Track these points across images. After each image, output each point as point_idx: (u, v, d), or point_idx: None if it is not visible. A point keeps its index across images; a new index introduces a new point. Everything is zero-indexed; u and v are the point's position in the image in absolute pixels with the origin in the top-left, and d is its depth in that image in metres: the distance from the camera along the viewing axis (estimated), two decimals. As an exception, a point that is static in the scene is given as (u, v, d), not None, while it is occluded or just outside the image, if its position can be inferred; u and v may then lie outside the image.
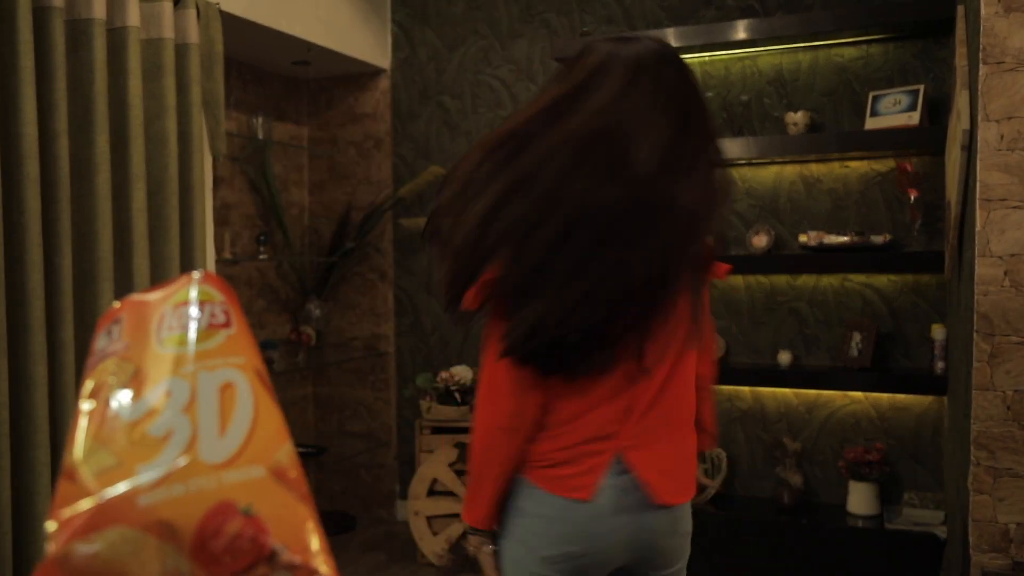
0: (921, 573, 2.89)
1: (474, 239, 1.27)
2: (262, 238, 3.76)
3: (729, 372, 3.25)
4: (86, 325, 2.37)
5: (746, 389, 3.44)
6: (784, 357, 3.30)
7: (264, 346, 3.75)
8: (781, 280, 3.41)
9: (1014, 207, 2.04)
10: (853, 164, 3.31)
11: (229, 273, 3.76)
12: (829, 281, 3.35)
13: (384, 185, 4.06)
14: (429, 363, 3.99)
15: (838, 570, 2.99)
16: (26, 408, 2.20)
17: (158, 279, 2.59)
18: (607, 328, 1.29)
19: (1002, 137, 2.04)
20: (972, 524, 2.07)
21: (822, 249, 3.17)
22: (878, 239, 3.12)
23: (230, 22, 3.11)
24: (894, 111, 3.11)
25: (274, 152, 4.01)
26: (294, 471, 0.42)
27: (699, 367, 1.51)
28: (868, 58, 3.28)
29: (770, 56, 3.41)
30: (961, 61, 2.35)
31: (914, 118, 3.06)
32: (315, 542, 0.41)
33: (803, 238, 3.25)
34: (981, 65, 2.05)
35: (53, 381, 2.29)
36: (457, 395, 3.54)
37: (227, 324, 0.46)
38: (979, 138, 2.07)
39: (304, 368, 4.03)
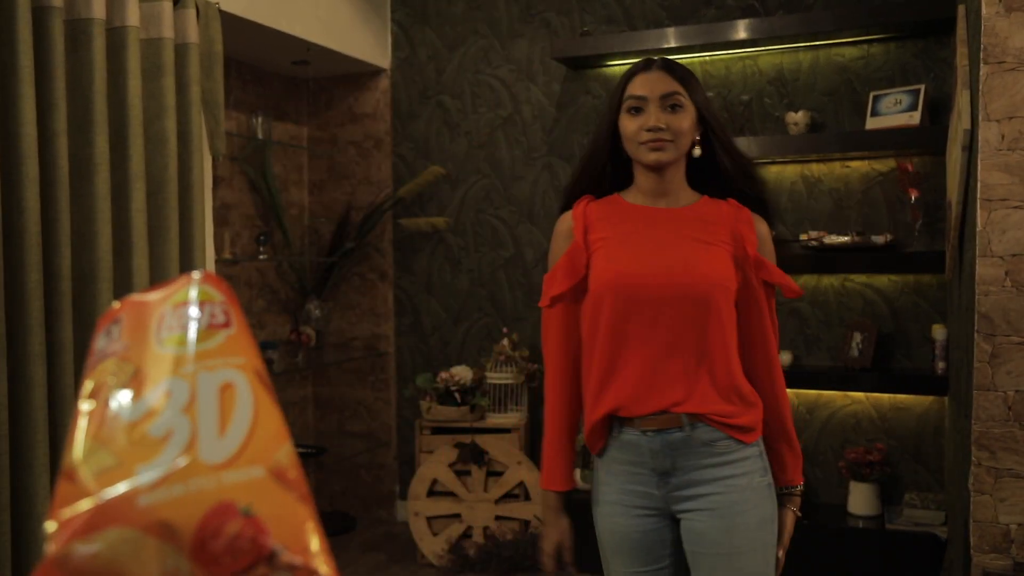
0: (922, 574, 2.89)
1: None
2: (262, 238, 3.76)
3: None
4: (85, 325, 2.37)
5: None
6: (785, 357, 3.30)
7: (264, 346, 3.74)
8: (781, 280, 3.40)
9: (1015, 207, 2.03)
10: (854, 164, 3.31)
11: (229, 273, 3.76)
12: (830, 281, 3.35)
13: (384, 185, 4.06)
14: (429, 363, 3.99)
15: (839, 570, 2.99)
16: (25, 408, 2.20)
17: (158, 279, 2.58)
18: None
19: (1003, 137, 2.04)
20: (973, 524, 2.07)
21: (823, 249, 3.17)
22: (879, 239, 3.11)
23: (230, 22, 3.11)
24: (895, 111, 3.11)
25: (274, 152, 4.00)
26: (294, 471, 0.42)
27: None
28: (869, 58, 3.28)
29: (771, 56, 3.41)
30: (962, 61, 2.35)
31: (915, 118, 3.06)
32: (315, 542, 0.41)
33: (804, 238, 3.25)
34: (982, 65, 2.05)
35: (52, 381, 2.29)
36: (457, 395, 3.53)
37: (227, 324, 0.46)
38: (980, 138, 2.07)
39: (304, 368, 4.03)
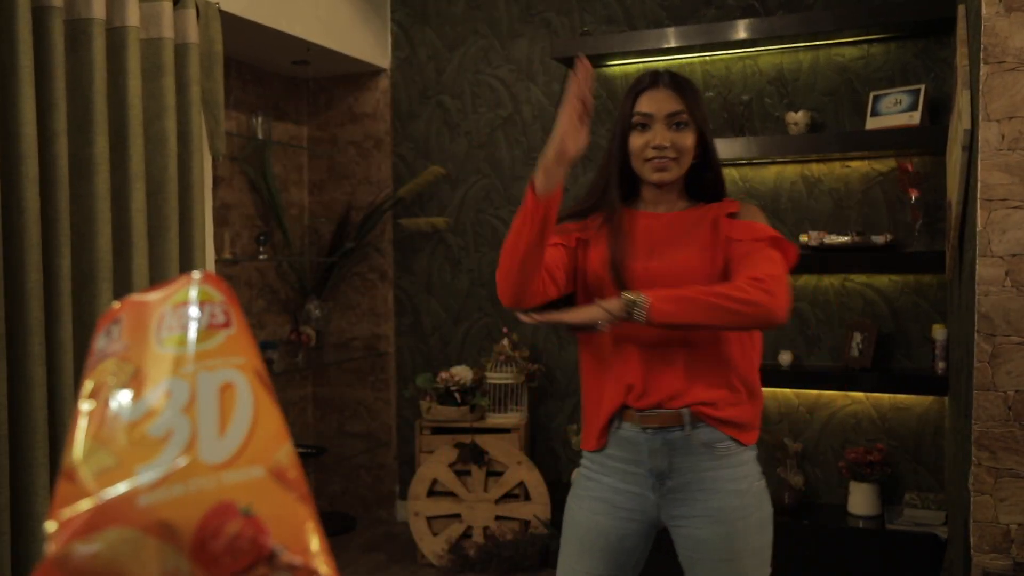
0: (922, 574, 2.89)
1: None
2: (262, 238, 3.76)
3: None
4: (85, 325, 2.37)
5: (746, 389, 3.44)
6: (785, 357, 3.30)
7: (264, 346, 3.74)
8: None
9: (1015, 207, 2.03)
10: (854, 164, 3.31)
11: (229, 273, 3.76)
12: (830, 281, 3.35)
13: (384, 185, 4.06)
14: (429, 363, 3.99)
15: (839, 570, 2.99)
16: (25, 408, 2.20)
17: (157, 279, 2.58)
18: None
19: (1003, 137, 2.04)
20: (973, 524, 2.07)
21: (823, 249, 3.17)
22: (879, 239, 3.11)
23: (230, 22, 3.11)
24: (895, 111, 3.11)
25: (274, 152, 4.00)
26: (294, 471, 0.42)
27: None
28: (869, 58, 3.28)
29: (771, 56, 3.40)
30: (962, 61, 2.35)
31: (915, 118, 3.06)
32: (315, 542, 0.41)
33: (804, 238, 3.25)
34: (982, 65, 2.05)
35: (52, 381, 2.29)
36: (457, 395, 3.53)
37: (227, 324, 0.46)
38: (980, 138, 2.07)
39: (304, 368, 4.03)
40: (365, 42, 3.88)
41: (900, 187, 3.18)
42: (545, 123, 3.78)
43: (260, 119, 3.73)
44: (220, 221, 3.69)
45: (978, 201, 2.07)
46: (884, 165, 3.26)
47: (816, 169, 3.36)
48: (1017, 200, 2.03)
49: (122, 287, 2.48)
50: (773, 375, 3.26)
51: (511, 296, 1.54)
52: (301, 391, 4.19)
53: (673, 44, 3.34)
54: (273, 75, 4.05)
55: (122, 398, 0.43)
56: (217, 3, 2.80)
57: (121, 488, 0.39)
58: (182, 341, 0.44)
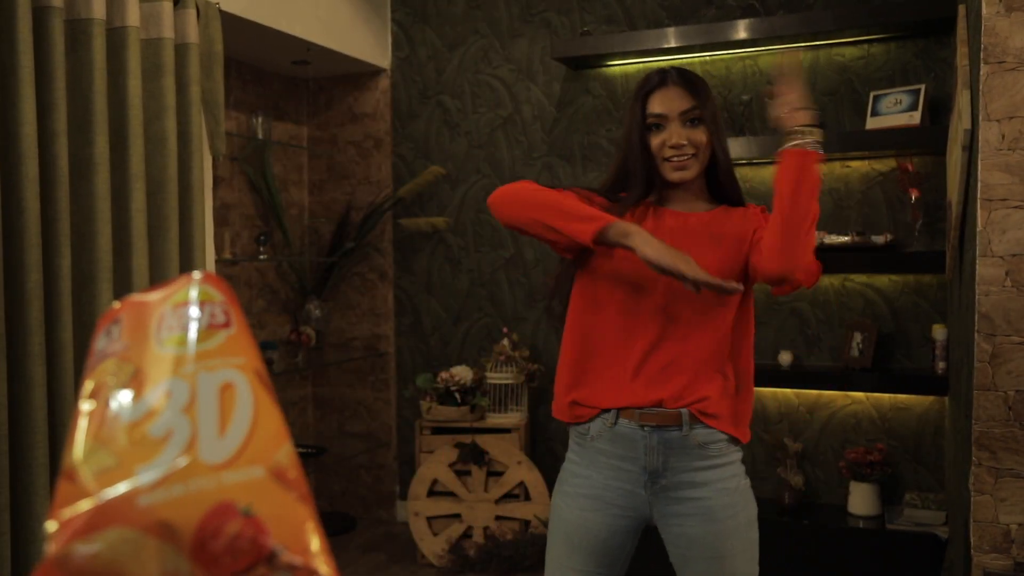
0: (922, 574, 2.89)
1: None
2: (262, 238, 3.76)
3: (730, 372, 3.25)
4: (85, 325, 2.37)
5: (747, 389, 3.44)
6: (785, 357, 3.30)
7: (264, 346, 3.74)
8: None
9: (1015, 207, 2.03)
10: (854, 164, 3.31)
11: (229, 273, 3.76)
12: (830, 281, 3.35)
13: (384, 185, 4.06)
14: (429, 363, 3.99)
15: (839, 571, 2.99)
16: (25, 409, 2.20)
17: (157, 279, 2.58)
18: None
19: (1003, 137, 2.04)
20: (973, 525, 2.07)
21: (823, 249, 3.17)
22: (879, 239, 3.11)
23: (230, 22, 3.11)
24: (895, 111, 3.11)
25: (274, 152, 4.00)
26: (294, 471, 0.42)
27: None
28: (869, 58, 3.28)
29: (771, 56, 3.40)
30: (962, 61, 2.35)
31: (915, 118, 3.05)
32: (315, 542, 0.41)
33: (804, 238, 3.24)
34: (982, 65, 2.05)
35: (52, 381, 2.29)
36: (457, 395, 3.53)
37: (227, 324, 0.46)
38: (980, 138, 2.07)
39: (304, 368, 4.03)
40: (365, 42, 3.88)
41: (900, 187, 3.18)
42: (545, 123, 3.78)
43: (260, 119, 3.73)
44: (220, 221, 3.69)
45: (978, 201, 2.07)
46: (884, 165, 3.26)
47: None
48: (1017, 200, 2.03)
49: (122, 287, 2.48)
50: (773, 375, 3.26)
51: (497, 208, 1.59)
52: (301, 391, 4.20)
53: (673, 44, 3.34)
54: (273, 75, 4.05)
55: (122, 398, 0.43)
56: (217, 3, 2.80)
57: (121, 488, 0.39)
58: (182, 341, 0.44)
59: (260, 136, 3.73)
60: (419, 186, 3.90)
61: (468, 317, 3.94)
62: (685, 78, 1.61)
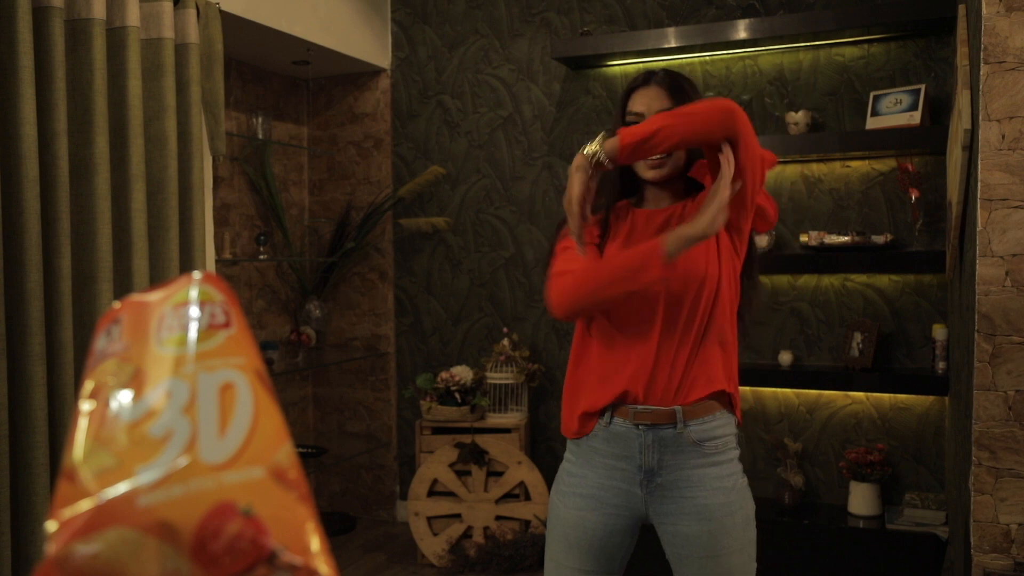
0: (922, 574, 2.89)
1: None
2: (262, 238, 3.76)
3: (730, 372, 3.25)
4: (85, 325, 2.37)
5: (747, 389, 3.44)
6: (785, 357, 3.30)
7: (264, 346, 3.74)
8: (782, 280, 3.41)
9: (1015, 207, 2.03)
10: (854, 164, 3.31)
11: (229, 273, 3.76)
12: (830, 281, 3.35)
13: (384, 185, 4.06)
14: (429, 363, 3.99)
15: (839, 571, 2.99)
16: (25, 409, 2.20)
17: (158, 279, 2.58)
18: None
19: (1003, 137, 2.04)
20: (973, 525, 2.07)
21: (823, 249, 3.17)
22: (879, 239, 3.11)
23: (230, 22, 3.11)
24: (895, 111, 3.11)
25: (274, 152, 4.00)
26: (294, 471, 0.42)
27: None
28: (869, 57, 3.28)
29: (771, 55, 3.40)
30: (962, 61, 2.35)
31: (915, 118, 3.06)
32: (315, 543, 0.41)
33: (804, 238, 3.25)
34: (982, 64, 2.05)
35: (52, 381, 2.29)
36: (457, 395, 3.53)
37: (227, 324, 0.46)
38: (980, 138, 2.07)
39: (304, 368, 4.03)
40: (365, 42, 3.88)
41: (900, 187, 3.18)
42: (545, 123, 3.78)
43: (260, 119, 3.73)
44: (220, 221, 3.69)
45: (978, 201, 2.07)
46: (884, 165, 3.26)
47: (816, 169, 3.36)
48: (1017, 200, 2.03)
49: (122, 287, 2.48)
50: (773, 375, 3.26)
51: (569, 313, 1.58)
52: (301, 391, 4.20)
53: (673, 44, 3.34)
54: (273, 75, 4.05)
55: (122, 398, 0.43)
56: (217, 3, 2.80)
57: (121, 488, 0.39)
58: (182, 341, 0.44)
59: (260, 136, 3.73)
60: (419, 186, 3.90)
61: (468, 317, 3.94)
62: (670, 79, 1.62)
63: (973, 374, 2.08)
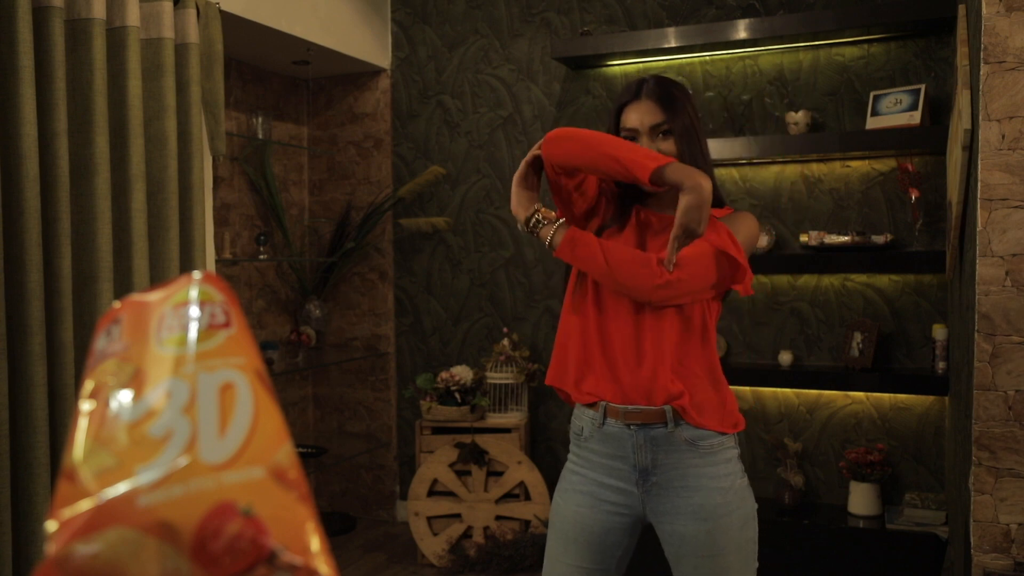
0: (922, 574, 2.89)
1: None
2: (262, 238, 3.76)
3: (730, 372, 3.26)
4: (85, 325, 2.37)
5: (747, 389, 3.44)
6: (785, 357, 3.30)
7: (264, 346, 3.74)
8: (782, 280, 3.41)
9: (1015, 207, 2.03)
10: (854, 164, 3.31)
11: (229, 273, 3.76)
12: (830, 281, 3.35)
13: (384, 185, 4.06)
14: (429, 363, 3.99)
15: (839, 571, 2.99)
16: (25, 409, 2.20)
17: (158, 279, 2.58)
18: None
19: (1003, 137, 2.04)
20: (973, 524, 2.07)
21: (823, 249, 3.17)
22: (879, 239, 3.11)
23: (230, 22, 3.11)
24: (895, 111, 3.11)
25: (274, 152, 4.00)
26: (294, 471, 0.42)
27: None
28: (869, 57, 3.28)
29: (771, 55, 3.40)
30: (962, 61, 2.35)
31: (915, 118, 3.06)
32: (315, 543, 0.41)
33: (804, 238, 3.25)
34: (982, 64, 2.05)
35: (52, 381, 2.29)
36: (457, 395, 3.53)
37: (227, 324, 0.46)
38: (980, 138, 2.07)
39: (304, 368, 4.03)
40: (365, 42, 3.88)
41: (900, 187, 3.18)
42: (545, 123, 3.78)
43: (260, 119, 3.73)
44: (220, 221, 3.69)
45: (978, 201, 2.07)
46: (884, 165, 3.26)
47: (816, 169, 3.36)
48: (1017, 200, 2.03)
49: (122, 287, 2.48)
50: (773, 375, 3.26)
51: (562, 160, 1.61)
52: (301, 391, 4.20)
53: (673, 44, 3.34)
54: (273, 75, 4.05)
55: (122, 398, 0.43)
56: (217, 3, 2.80)
57: (121, 488, 0.39)
58: (182, 341, 0.44)
59: (260, 136, 3.73)
60: (419, 186, 3.90)
61: (468, 317, 3.94)
62: (660, 89, 1.62)
63: (973, 374, 2.08)
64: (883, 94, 3.17)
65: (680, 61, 3.52)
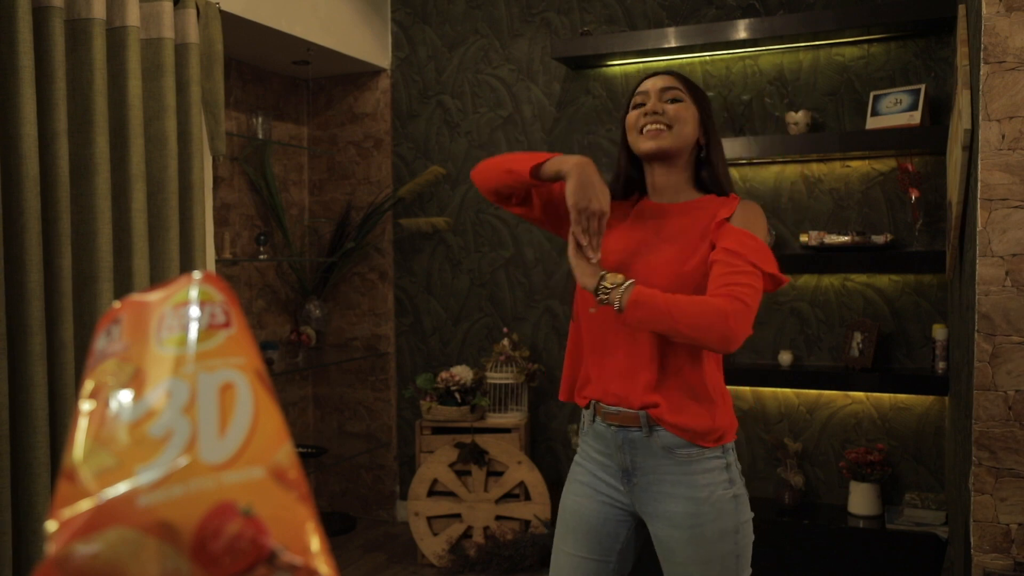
0: (922, 574, 2.89)
1: None
2: (262, 238, 3.76)
3: (730, 372, 3.26)
4: (86, 325, 2.37)
5: (747, 389, 3.44)
6: (785, 357, 3.30)
7: (264, 346, 3.74)
8: (782, 280, 3.40)
9: (1015, 207, 2.03)
10: (854, 164, 3.31)
11: (229, 273, 3.76)
12: (830, 281, 3.35)
13: (384, 185, 4.06)
14: (429, 363, 3.99)
15: (839, 571, 2.99)
16: (25, 409, 2.20)
17: (158, 279, 2.58)
18: None
19: (1003, 137, 2.04)
20: (973, 524, 2.07)
21: (823, 249, 3.17)
22: (879, 239, 3.11)
23: (230, 22, 3.11)
24: (895, 111, 3.11)
25: (274, 152, 4.00)
26: (294, 471, 0.42)
27: None
28: (869, 57, 3.28)
29: (771, 55, 3.40)
30: (962, 60, 2.35)
31: (915, 118, 3.06)
32: (315, 543, 0.41)
33: (804, 238, 3.25)
34: (982, 64, 2.05)
35: (53, 381, 2.29)
36: (457, 395, 3.53)
37: (227, 324, 0.46)
38: (980, 138, 2.07)
39: (304, 368, 4.03)
40: (365, 42, 3.88)
41: (900, 187, 3.18)
42: (545, 123, 3.78)
43: (260, 119, 3.73)
44: (220, 221, 3.69)
45: (978, 201, 2.07)
46: (884, 165, 3.26)
47: (816, 169, 3.36)
48: (1017, 200, 2.03)
49: (122, 287, 2.48)
50: (773, 375, 3.26)
51: (483, 187, 1.66)
52: (301, 391, 4.20)
53: (673, 44, 3.34)
54: (273, 75, 4.05)
55: (122, 398, 0.43)
56: (217, 3, 2.80)
57: (121, 488, 0.39)
58: (182, 341, 0.44)
59: (260, 136, 3.73)
60: (419, 186, 3.90)
61: (468, 317, 3.94)
62: (681, 74, 1.66)
63: (973, 374, 2.08)
64: (883, 94, 3.17)
65: (680, 61, 3.52)
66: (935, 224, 3.16)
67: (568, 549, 1.63)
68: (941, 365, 3.06)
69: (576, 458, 1.70)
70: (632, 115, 1.62)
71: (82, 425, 0.42)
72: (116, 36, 2.49)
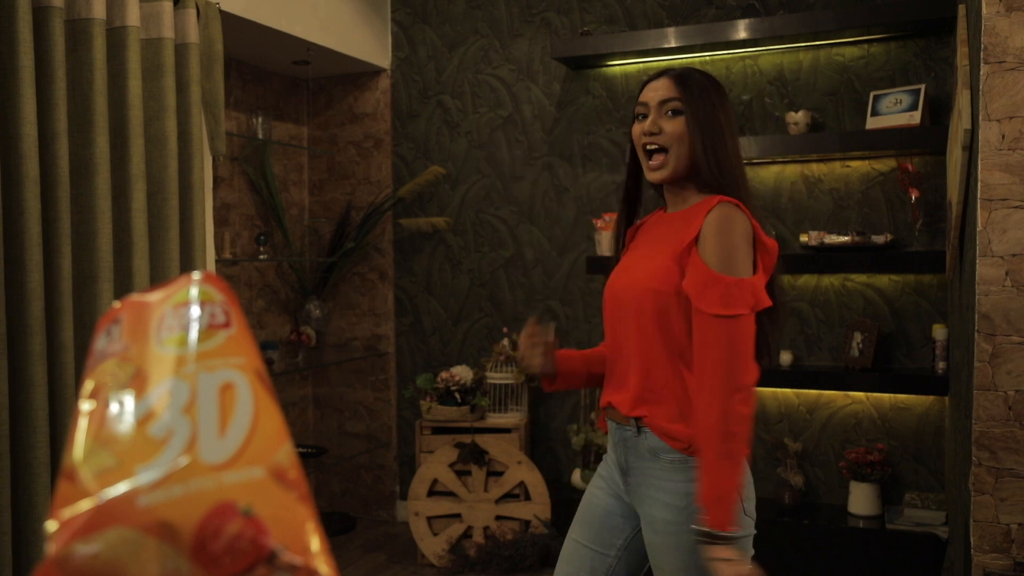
0: (922, 574, 2.89)
1: None
2: (262, 238, 3.76)
3: (730, 372, 3.25)
4: (86, 325, 2.37)
5: (747, 389, 3.44)
6: (785, 357, 3.30)
7: (264, 346, 3.74)
8: (782, 280, 3.40)
9: (1015, 207, 2.03)
10: (854, 164, 3.31)
11: (229, 273, 3.76)
12: (830, 281, 3.35)
13: (384, 185, 4.06)
14: (429, 363, 3.99)
15: (839, 571, 2.99)
16: (25, 409, 2.20)
17: (158, 279, 2.58)
18: None
19: (1003, 137, 2.04)
20: (973, 524, 2.07)
21: (823, 249, 3.17)
22: (879, 239, 3.11)
23: (230, 22, 3.11)
24: (895, 111, 3.11)
25: (274, 152, 4.00)
26: (294, 471, 0.42)
27: None
28: (869, 57, 3.28)
29: (771, 55, 3.40)
30: (962, 61, 2.35)
31: (915, 118, 3.06)
32: (315, 543, 0.41)
33: (804, 238, 3.25)
34: (982, 64, 2.05)
35: (53, 381, 2.29)
36: (457, 395, 3.54)
37: (227, 324, 0.46)
38: (980, 138, 2.07)
39: (304, 368, 4.03)
40: (365, 42, 3.88)
41: (900, 187, 3.18)
42: (545, 123, 3.79)
43: (260, 119, 3.73)
44: (220, 221, 3.69)
45: (978, 201, 2.07)
46: (884, 165, 3.26)
47: (816, 169, 3.36)
48: (1017, 200, 2.03)
49: (122, 287, 2.48)
50: (773, 375, 3.26)
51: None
52: (301, 391, 4.19)
53: (673, 44, 3.34)
54: (273, 75, 4.05)
55: (122, 398, 0.43)
56: (217, 3, 2.80)
57: (121, 488, 0.39)
58: (183, 341, 0.44)
59: (260, 136, 3.73)
60: (419, 186, 3.90)
61: (468, 317, 3.94)
62: (683, 72, 1.60)
63: (973, 374, 2.08)
64: (883, 94, 3.17)
65: (680, 61, 3.52)
66: (935, 224, 3.16)
67: (574, 535, 1.68)
68: (941, 365, 3.06)
69: (604, 455, 1.77)
70: (635, 129, 1.62)
71: (82, 425, 0.42)
72: (116, 36, 2.49)
